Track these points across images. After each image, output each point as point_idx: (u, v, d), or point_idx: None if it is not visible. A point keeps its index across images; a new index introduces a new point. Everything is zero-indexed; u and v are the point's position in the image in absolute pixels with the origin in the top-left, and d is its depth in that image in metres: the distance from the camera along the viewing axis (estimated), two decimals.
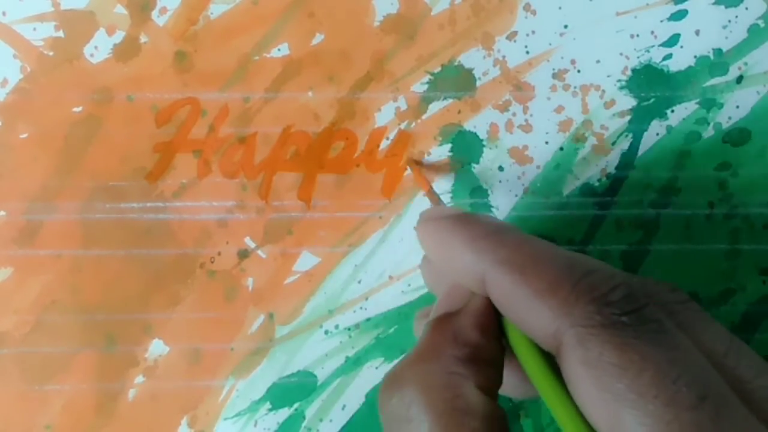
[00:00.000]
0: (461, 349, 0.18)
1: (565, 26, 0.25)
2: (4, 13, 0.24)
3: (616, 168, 0.25)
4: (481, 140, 0.25)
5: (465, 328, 0.19)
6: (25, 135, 0.24)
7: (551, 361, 0.18)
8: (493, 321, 0.19)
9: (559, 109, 0.25)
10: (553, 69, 0.25)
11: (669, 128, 0.25)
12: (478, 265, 0.19)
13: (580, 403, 0.16)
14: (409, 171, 0.25)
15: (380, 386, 0.18)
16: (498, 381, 0.19)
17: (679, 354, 0.16)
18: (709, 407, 0.15)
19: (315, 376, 0.24)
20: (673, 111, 0.25)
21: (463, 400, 0.17)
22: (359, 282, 0.25)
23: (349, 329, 0.25)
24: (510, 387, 0.20)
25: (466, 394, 0.17)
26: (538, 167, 0.25)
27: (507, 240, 0.19)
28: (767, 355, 0.24)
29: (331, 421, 0.24)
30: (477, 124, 0.25)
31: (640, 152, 0.25)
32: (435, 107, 0.25)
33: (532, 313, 0.18)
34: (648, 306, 0.17)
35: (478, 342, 0.18)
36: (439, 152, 0.25)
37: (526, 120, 0.25)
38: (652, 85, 0.25)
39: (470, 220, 0.20)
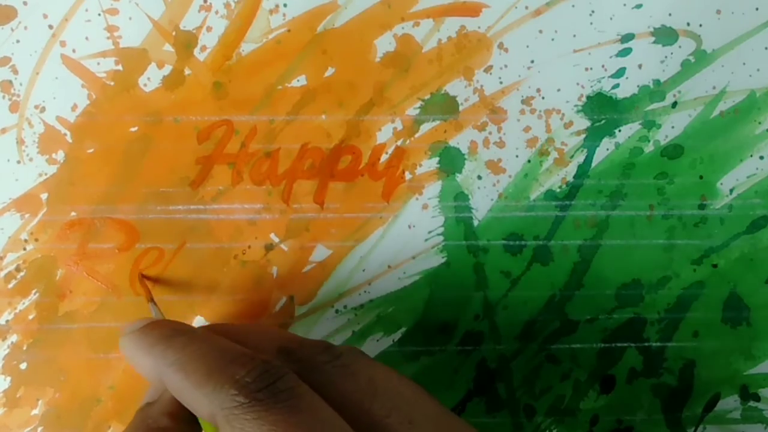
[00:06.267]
0: None
1: (532, 61, 0.27)
2: (73, 50, 0.26)
3: (574, 177, 0.27)
4: (463, 154, 0.27)
5: (155, 416, 0.21)
6: (91, 150, 0.26)
7: None
8: (183, 408, 0.21)
9: (527, 129, 0.27)
10: (522, 96, 0.27)
11: (617, 144, 0.27)
12: (155, 369, 0.20)
13: None
14: (408, 176, 0.27)
15: None
16: None
17: (306, 415, 0.18)
18: None
19: None
20: (620, 130, 0.27)
21: None
22: (363, 270, 0.27)
23: (355, 309, 0.27)
24: None
25: None
26: (510, 176, 0.27)
27: (175, 343, 0.20)
28: (697, 330, 0.28)
29: None
30: (460, 141, 0.27)
31: (593, 164, 0.27)
32: (425, 128, 0.27)
33: (195, 402, 0.19)
34: (282, 378, 0.19)
35: (166, 426, 0.21)
36: (429, 164, 0.27)
37: (500, 138, 0.27)
38: (603, 110, 0.27)
39: (152, 329, 0.21)
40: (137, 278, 0.27)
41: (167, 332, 0.21)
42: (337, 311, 0.28)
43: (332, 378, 0.20)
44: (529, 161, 0.27)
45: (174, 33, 0.26)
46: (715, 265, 0.28)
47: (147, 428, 0.21)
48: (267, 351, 0.21)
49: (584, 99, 0.27)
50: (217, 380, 0.19)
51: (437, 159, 0.27)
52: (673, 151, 0.28)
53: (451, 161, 0.27)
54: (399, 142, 0.27)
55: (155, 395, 0.22)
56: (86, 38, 0.26)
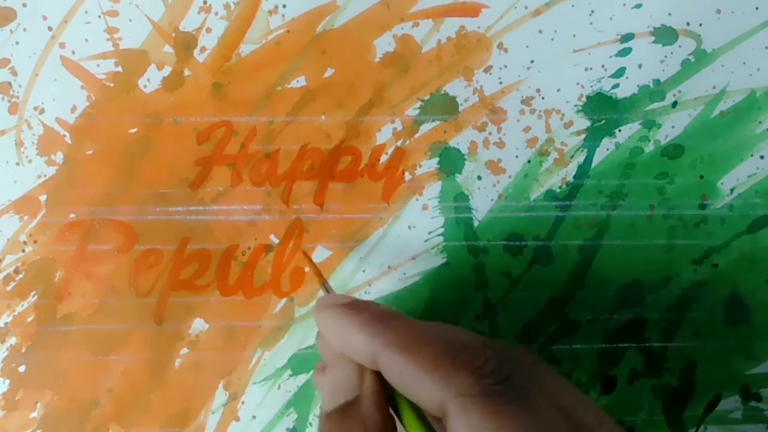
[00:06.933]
0: None
1: (532, 61, 0.27)
2: (73, 52, 0.26)
3: (574, 177, 0.27)
4: (463, 155, 0.27)
5: (371, 413, 0.20)
6: (90, 151, 0.26)
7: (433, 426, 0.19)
8: (385, 399, 0.20)
9: (527, 129, 0.27)
10: (522, 96, 0.27)
11: (617, 144, 0.27)
12: (370, 347, 0.19)
13: None
14: (408, 177, 0.27)
15: None
16: None
17: (542, 416, 0.18)
18: None
19: None
20: (620, 130, 0.27)
21: None
22: (363, 271, 0.27)
23: None
24: None
25: None
26: (510, 177, 0.27)
27: (394, 324, 0.20)
28: (698, 330, 0.28)
29: None
30: (460, 141, 0.27)
31: (593, 164, 0.27)
32: (425, 128, 0.27)
33: (420, 387, 0.18)
34: (515, 374, 0.18)
35: (382, 422, 0.19)
36: (429, 165, 0.27)
37: (500, 138, 0.27)
38: (603, 109, 0.27)
39: (361, 307, 0.21)
40: (305, 259, 0.26)
41: (381, 313, 0.20)
42: None
43: (542, 381, 0.19)
44: (529, 161, 0.27)
45: (174, 34, 0.26)
46: (715, 265, 0.28)
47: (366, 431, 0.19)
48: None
49: (584, 99, 0.27)
50: (450, 366, 0.18)
51: (437, 159, 0.27)
52: (673, 150, 0.28)
53: (451, 162, 0.27)
54: (399, 143, 0.27)
55: (348, 393, 0.20)
56: (86, 40, 0.26)
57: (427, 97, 0.27)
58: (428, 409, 0.19)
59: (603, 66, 0.27)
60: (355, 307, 0.21)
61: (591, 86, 0.27)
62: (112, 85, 0.27)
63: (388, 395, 0.20)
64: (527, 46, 0.27)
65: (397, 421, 0.20)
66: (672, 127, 0.28)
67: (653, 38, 0.27)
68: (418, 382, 0.19)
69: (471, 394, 0.18)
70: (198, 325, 0.27)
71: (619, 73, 0.27)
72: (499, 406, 0.17)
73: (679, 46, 0.27)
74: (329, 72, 0.27)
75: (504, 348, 0.20)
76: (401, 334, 0.19)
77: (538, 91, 0.27)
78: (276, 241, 0.27)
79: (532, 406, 0.18)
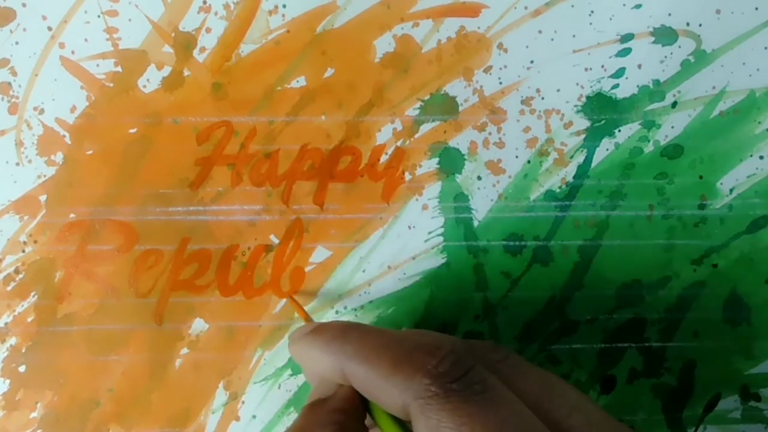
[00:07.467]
0: (327, 427, 0.20)
1: (532, 61, 0.27)
2: (72, 52, 0.26)
3: (574, 177, 0.27)
4: (463, 155, 0.27)
5: (331, 411, 0.20)
6: (90, 151, 0.26)
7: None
8: (356, 405, 0.21)
9: (526, 129, 0.27)
10: (522, 96, 0.27)
11: (617, 145, 0.27)
12: (335, 364, 0.20)
13: None
14: (408, 177, 0.27)
15: None
16: None
17: (502, 409, 0.18)
18: None
19: None
20: (620, 130, 0.27)
21: None
22: (363, 271, 0.27)
23: (355, 309, 0.27)
24: None
25: None
26: (509, 177, 0.27)
27: (351, 338, 0.20)
28: (697, 330, 0.28)
29: None
30: (459, 141, 0.27)
31: (593, 164, 0.27)
32: (425, 128, 0.27)
33: (383, 393, 0.19)
34: (473, 369, 0.18)
35: (341, 421, 0.20)
36: (429, 165, 0.27)
37: (499, 138, 0.27)
38: (602, 110, 0.27)
39: (323, 330, 0.22)
40: (290, 301, 0.27)
41: (340, 328, 0.21)
42: (337, 312, 0.28)
43: (507, 376, 0.19)
44: (528, 162, 0.28)
45: (173, 34, 0.26)
46: (715, 265, 0.28)
47: (322, 423, 0.20)
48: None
49: (584, 99, 0.27)
50: (407, 370, 0.19)
51: (437, 159, 0.27)
52: (673, 151, 0.28)
53: (450, 162, 0.27)
54: (399, 143, 0.27)
55: (326, 392, 0.21)
56: (85, 40, 0.26)
57: (427, 97, 0.27)
58: (397, 414, 0.19)
59: (603, 66, 0.27)
60: (317, 332, 0.22)
61: (591, 86, 0.27)
62: (111, 85, 0.27)
63: (366, 407, 0.21)
64: (527, 47, 0.27)
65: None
66: (671, 128, 0.28)
67: (653, 38, 0.27)
68: (381, 389, 0.19)
69: (428, 395, 0.18)
70: (198, 325, 0.27)
71: (619, 73, 0.27)
72: (455, 404, 0.18)
73: (679, 47, 0.27)
74: (329, 72, 0.27)
75: (466, 345, 0.20)
76: (358, 346, 0.20)
77: (537, 91, 0.27)
78: (276, 241, 0.27)
79: (492, 400, 0.18)
